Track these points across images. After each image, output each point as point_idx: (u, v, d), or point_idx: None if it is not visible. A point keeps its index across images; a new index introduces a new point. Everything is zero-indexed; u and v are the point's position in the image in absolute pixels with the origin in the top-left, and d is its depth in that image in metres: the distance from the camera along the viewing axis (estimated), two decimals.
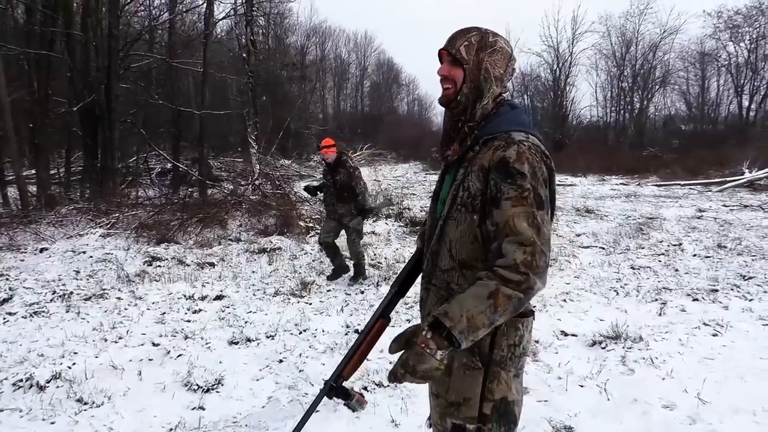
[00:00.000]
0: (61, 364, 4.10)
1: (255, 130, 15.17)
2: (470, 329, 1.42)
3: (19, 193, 11.68)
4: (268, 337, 4.71)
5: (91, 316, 5.30)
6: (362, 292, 6.13)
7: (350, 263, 6.81)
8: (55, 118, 14.21)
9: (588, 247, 8.35)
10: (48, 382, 3.77)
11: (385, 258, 7.71)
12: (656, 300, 5.57)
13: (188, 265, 7.37)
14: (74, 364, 4.12)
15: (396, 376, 1.51)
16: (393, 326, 4.87)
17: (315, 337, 4.71)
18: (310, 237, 9.31)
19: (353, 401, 1.74)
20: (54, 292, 6.06)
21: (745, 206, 12.77)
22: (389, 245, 8.61)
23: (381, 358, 4.13)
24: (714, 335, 4.55)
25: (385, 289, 6.00)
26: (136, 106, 17.63)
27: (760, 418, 3.17)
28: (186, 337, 4.70)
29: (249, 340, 4.61)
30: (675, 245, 8.20)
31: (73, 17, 13.81)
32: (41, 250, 8.18)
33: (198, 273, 6.98)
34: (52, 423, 3.26)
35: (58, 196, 12.74)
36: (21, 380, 3.78)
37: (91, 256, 7.80)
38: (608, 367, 3.93)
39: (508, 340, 1.64)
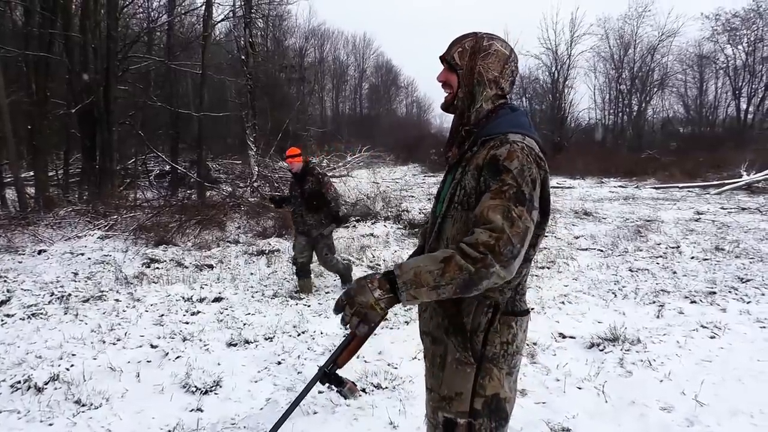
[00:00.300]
0: (59, 365, 4.10)
1: (254, 132, 15.20)
2: (413, 283, 1.48)
3: (18, 195, 11.70)
4: (266, 338, 4.71)
5: (90, 318, 5.30)
6: None
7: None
8: (54, 120, 14.24)
9: (586, 249, 8.36)
10: (46, 383, 3.76)
11: (384, 260, 7.71)
12: (654, 302, 5.58)
13: (187, 267, 7.37)
14: (72, 365, 4.12)
15: (337, 302, 1.60)
16: (389, 320, 4.88)
17: (313, 339, 4.71)
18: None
19: (345, 389, 1.76)
20: (52, 294, 6.05)
21: (743, 209, 12.79)
22: (388, 247, 8.61)
23: (380, 360, 4.14)
24: (712, 337, 4.56)
25: None
26: (134, 107, 17.67)
27: (758, 421, 3.17)
28: (184, 339, 4.70)
29: (247, 341, 4.61)
30: (673, 248, 8.22)
31: (72, 19, 13.83)
32: (39, 252, 8.17)
33: (196, 275, 6.98)
34: (50, 424, 3.26)
35: (56, 197, 12.75)
36: (19, 382, 3.78)
37: (89, 258, 7.80)
38: (606, 369, 3.93)
39: (501, 338, 1.66)
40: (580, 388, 3.64)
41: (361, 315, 1.55)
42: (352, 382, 1.75)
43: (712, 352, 4.23)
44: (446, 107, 1.77)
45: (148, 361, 4.24)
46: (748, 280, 6.28)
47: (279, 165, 16.36)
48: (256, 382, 3.87)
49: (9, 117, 11.58)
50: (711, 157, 23.23)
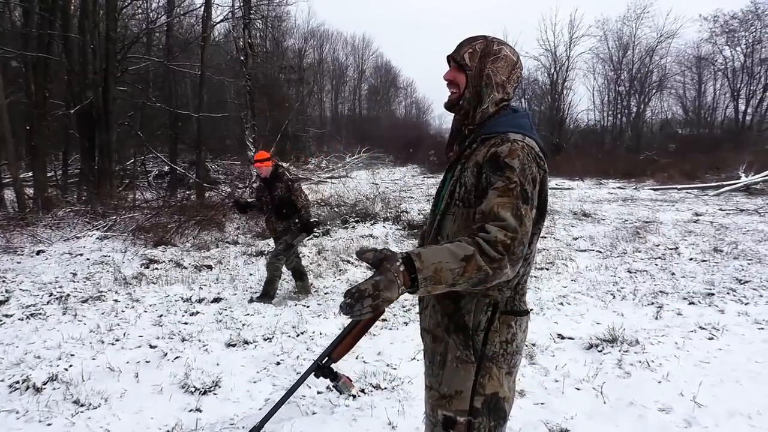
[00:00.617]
0: (57, 365, 4.10)
1: (253, 132, 15.22)
2: (432, 280, 1.39)
3: (16, 196, 11.68)
4: (265, 339, 4.71)
5: (88, 318, 5.30)
6: None
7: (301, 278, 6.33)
8: (53, 121, 14.21)
9: (585, 250, 8.37)
10: (45, 383, 3.77)
11: None
12: (652, 303, 5.59)
13: (185, 268, 7.37)
14: (71, 366, 4.11)
15: (358, 292, 1.36)
16: (384, 319, 4.88)
17: (312, 339, 4.72)
18: (308, 240, 9.31)
19: (340, 383, 1.74)
20: (51, 294, 6.05)
21: (741, 210, 12.81)
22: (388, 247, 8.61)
23: (378, 361, 4.14)
24: (710, 339, 4.57)
25: None
26: (133, 108, 17.66)
27: (756, 422, 3.18)
28: (183, 340, 4.70)
29: (246, 342, 4.61)
30: (671, 249, 8.23)
31: (71, 20, 13.82)
32: (38, 253, 8.16)
33: (195, 275, 6.99)
34: (49, 425, 3.26)
35: (55, 198, 12.73)
36: (18, 382, 3.78)
37: (88, 259, 7.79)
38: (605, 370, 3.94)
39: (501, 337, 1.67)
40: (578, 389, 3.64)
41: (378, 309, 1.40)
42: (347, 377, 1.75)
43: (711, 354, 4.24)
44: (451, 106, 1.79)
45: (146, 362, 4.24)
46: (746, 282, 6.29)
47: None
48: (255, 382, 3.87)
49: (8, 117, 11.58)
50: (709, 158, 23.27)
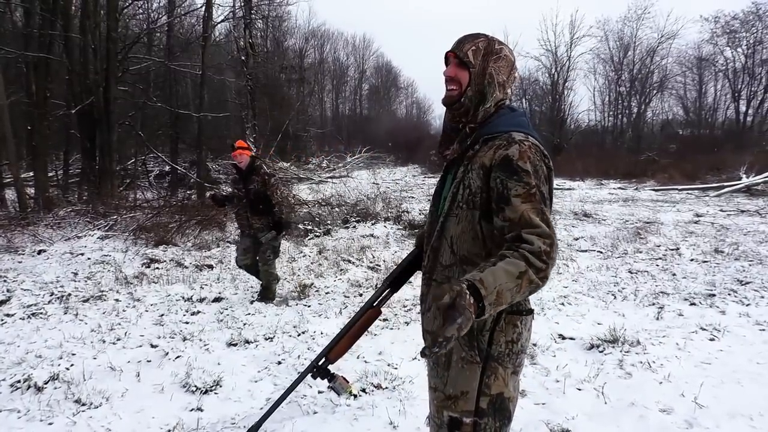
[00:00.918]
0: (59, 365, 4.10)
1: (253, 132, 15.23)
2: (496, 303, 1.40)
3: (17, 195, 11.69)
4: (266, 338, 4.71)
5: (90, 318, 5.31)
6: (360, 295, 6.14)
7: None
8: (54, 121, 14.22)
9: (586, 251, 8.37)
10: (46, 383, 3.77)
11: (384, 261, 7.71)
12: (654, 304, 5.58)
13: (186, 267, 7.37)
14: (72, 365, 4.12)
15: (446, 339, 1.30)
16: (385, 319, 4.88)
17: (314, 339, 4.72)
18: (309, 239, 9.32)
19: (336, 383, 1.76)
20: (52, 294, 6.06)
21: (742, 211, 12.80)
22: (388, 248, 8.62)
23: (380, 360, 4.14)
24: (711, 340, 4.56)
25: None
26: (134, 108, 17.67)
27: (757, 423, 3.18)
28: (184, 339, 4.70)
29: (247, 341, 4.61)
30: (672, 250, 8.23)
31: (72, 20, 13.83)
32: (39, 252, 8.17)
33: (196, 275, 6.99)
34: (50, 424, 3.26)
35: (56, 198, 12.74)
36: (19, 381, 3.78)
37: (89, 258, 7.80)
38: (606, 370, 3.94)
39: (506, 337, 1.67)
40: (579, 390, 3.64)
41: (449, 345, 1.33)
42: (344, 377, 1.77)
43: (712, 355, 4.23)
44: (451, 103, 1.75)
45: (148, 361, 4.24)
46: (747, 283, 6.29)
47: (279, 166, 16.38)
48: (256, 381, 3.87)
49: (9, 117, 11.59)
50: (710, 159, 23.28)
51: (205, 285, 6.52)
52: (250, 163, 5.73)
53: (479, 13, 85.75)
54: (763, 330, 4.78)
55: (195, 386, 3.70)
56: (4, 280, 6.56)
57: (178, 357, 4.28)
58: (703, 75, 38.11)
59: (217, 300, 5.95)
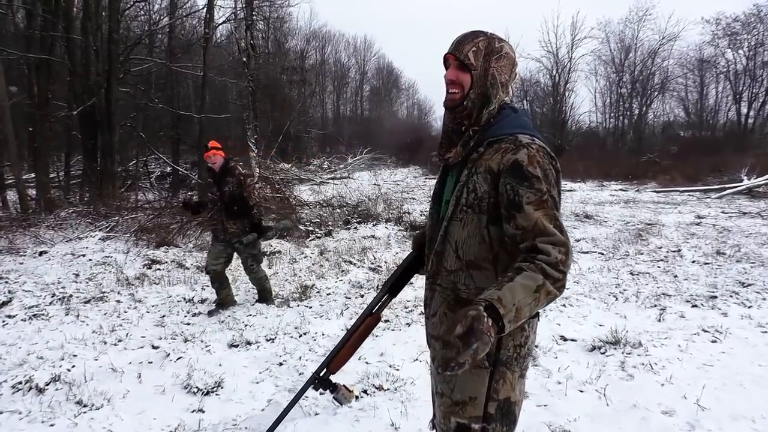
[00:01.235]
0: (60, 366, 4.10)
1: (255, 133, 15.21)
2: (516, 319, 1.41)
3: (19, 197, 11.70)
4: (267, 340, 4.71)
5: (91, 319, 5.31)
6: (362, 296, 6.14)
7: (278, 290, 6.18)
8: (55, 122, 14.23)
9: (587, 252, 8.36)
10: (47, 384, 3.77)
11: (385, 262, 7.71)
12: (655, 306, 5.58)
13: (188, 269, 7.37)
14: (74, 366, 4.12)
15: (459, 365, 1.32)
16: (387, 320, 4.88)
17: (315, 340, 4.71)
18: (310, 241, 9.32)
19: (339, 393, 1.74)
20: (53, 295, 6.06)
21: (744, 213, 12.79)
22: (389, 249, 8.62)
23: (381, 362, 4.14)
24: (713, 342, 4.56)
25: None
26: (135, 109, 17.68)
27: (760, 425, 3.17)
28: (186, 340, 4.70)
29: (249, 343, 4.61)
30: (674, 251, 8.22)
31: (74, 21, 13.84)
32: (41, 253, 8.18)
33: (197, 276, 6.99)
34: (52, 425, 3.26)
35: (57, 199, 12.75)
36: (20, 382, 3.78)
37: (90, 259, 7.80)
38: (607, 372, 3.93)
39: (515, 341, 1.66)
40: (581, 391, 3.63)
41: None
42: (346, 387, 1.74)
43: (714, 357, 4.23)
44: (454, 106, 1.70)
45: (149, 362, 4.24)
46: (749, 285, 6.28)
47: (280, 167, 16.36)
48: (257, 383, 3.87)
49: (10, 119, 11.61)
50: (712, 161, 23.24)
51: (207, 286, 6.50)
52: (224, 164, 5.51)
53: (480, 14, 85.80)
54: (765, 332, 4.77)
55: (196, 387, 3.70)
56: (6, 282, 6.56)
57: (179, 358, 4.29)
58: (705, 77, 38.12)
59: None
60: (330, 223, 10.62)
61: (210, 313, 5.49)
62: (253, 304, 5.80)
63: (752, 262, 7.38)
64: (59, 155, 16.62)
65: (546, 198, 1.52)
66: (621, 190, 20.02)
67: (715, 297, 5.82)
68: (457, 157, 1.71)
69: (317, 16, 57.91)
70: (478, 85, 1.66)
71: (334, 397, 1.78)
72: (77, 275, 6.98)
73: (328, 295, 6.23)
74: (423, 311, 1.93)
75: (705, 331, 4.79)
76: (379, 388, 3.70)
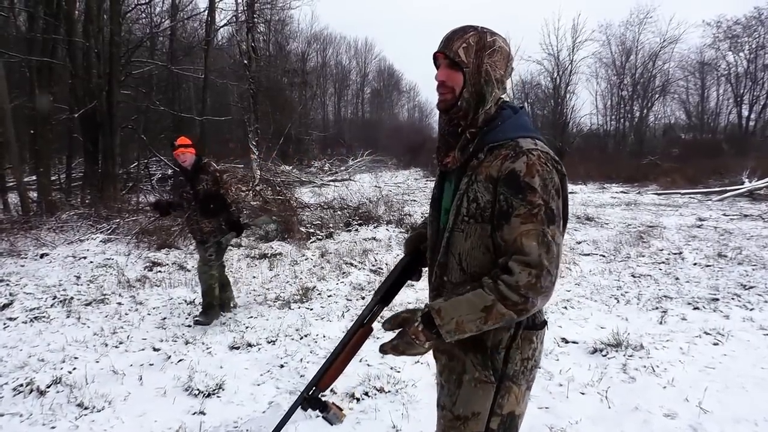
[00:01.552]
0: (61, 368, 4.10)
1: (256, 136, 15.22)
2: (457, 331, 1.45)
3: (20, 199, 11.72)
4: (269, 342, 4.71)
5: (92, 321, 5.31)
6: (363, 298, 6.13)
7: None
8: (57, 125, 14.26)
9: (588, 254, 8.35)
10: (48, 386, 3.77)
11: (386, 264, 7.70)
12: (657, 308, 5.57)
13: (189, 271, 7.37)
14: (75, 368, 4.12)
15: (386, 351, 1.56)
16: (379, 338, 4.87)
17: (316, 342, 4.71)
18: (311, 243, 9.32)
19: (330, 413, 1.65)
20: (54, 298, 6.06)
21: (745, 216, 12.78)
22: (390, 251, 8.61)
23: (382, 364, 4.13)
24: (715, 344, 4.55)
25: None
26: (137, 112, 17.72)
27: (762, 428, 3.16)
28: (187, 342, 4.70)
29: (250, 345, 4.61)
30: (675, 254, 8.20)
31: (75, 24, 13.87)
32: (42, 256, 8.18)
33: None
34: (53, 428, 3.26)
35: (58, 201, 12.76)
36: (21, 385, 3.78)
37: (91, 262, 7.80)
38: (609, 374, 3.93)
39: (522, 354, 1.59)
40: (583, 394, 3.63)
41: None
42: (338, 407, 1.66)
43: (716, 359, 4.22)
44: (447, 108, 1.60)
45: (150, 365, 4.24)
46: (751, 287, 6.27)
47: (281, 169, 16.38)
48: (258, 385, 3.87)
49: (12, 121, 11.63)
50: (713, 163, 23.24)
51: None
52: (196, 162, 5.21)
53: (480, 15, 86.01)
54: (767, 335, 4.76)
55: (197, 390, 3.70)
56: (7, 284, 6.56)
57: (180, 360, 4.28)
58: (706, 79, 38.15)
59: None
60: (331, 225, 10.61)
61: (197, 322, 5.20)
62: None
63: (754, 265, 7.37)
64: (60, 158, 16.65)
65: (536, 212, 1.43)
66: (622, 192, 20.01)
67: (717, 299, 5.81)
68: (455, 163, 1.61)
69: (318, 19, 58.12)
70: (471, 83, 1.56)
71: (324, 417, 1.68)
72: (78, 277, 6.98)
73: (329, 297, 6.23)
74: None
75: (707, 333, 4.78)
76: (381, 390, 3.69)
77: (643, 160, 28.79)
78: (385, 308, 1.83)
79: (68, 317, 5.42)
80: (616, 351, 4.32)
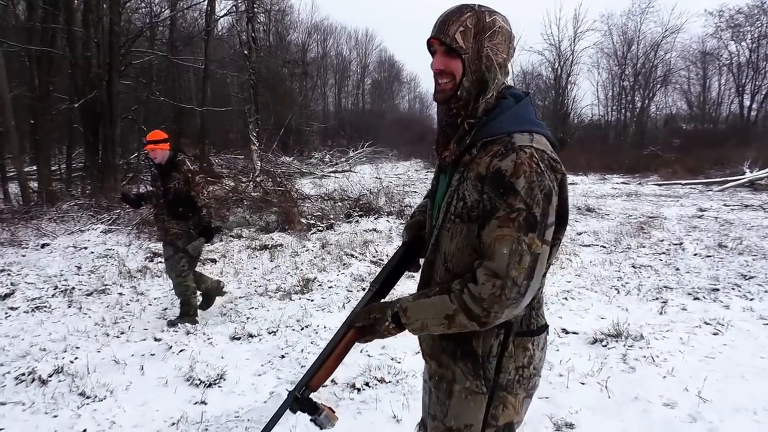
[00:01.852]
0: (63, 358, 4.12)
1: (256, 127, 15.20)
2: (423, 330, 1.45)
3: (21, 189, 11.72)
4: (269, 332, 4.72)
5: (93, 311, 5.32)
6: (363, 289, 6.14)
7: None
8: (57, 115, 14.23)
9: (589, 245, 8.36)
10: (50, 376, 3.79)
11: (387, 255, 7.70)
12: (657, 299, 5.58)
13: None
14: (76, 358, 4.13)
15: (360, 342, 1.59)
16: None
17: (317, 333, 4.72)
18: (312, 234, 9.32)
19: (321, 416, 1.52)
20: (56, 288, 6.07)
21: (746, 206, 12.76)
22: (391, 242, 8.62)
23: (382, 354, 4.14)
24: (715, 334, 4.56)
25: None
26: (137, 102, 17.68)
27: (761, 417, 3.18)
28: (188, 333, 4.71)
29: (251, 335, 4.62)
30: (676, 244, 8.21)
31: (75, 14, 13.81)
32: (43, 246, 8.19)
33: (199, 269, 6.97)
34: (55, 416, 3.27)
35: (59, 192, 12.76)
36: (23, 374, 3.79)
37: (92, 252, 7.81)
38: (609, 364, 3.94)
39: (516, 362, 1.48)
40: (583, 384, 3.64)
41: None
42: (330, 408, 1.54)
43: (715, 349, 4.23)
44: (446, 99, 1.47)
45: (151, 354, 4.26)
46: (751, 277, 6.27)
47: (281, 160, 16.37)
48: (259, 375, 3.89)
49: (12, 111, 11.61)
50: (714, 154, 23.19)
51: None
52: (170, 157, 4.86)
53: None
54: (767, 324, 4.77)
55: (199, 380, 3.72)
56: (8, 274, 6.58)
57: (181, 350, 4.30)
58: (707, 69, 37.95)
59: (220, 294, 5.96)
60: (331, 216, 10.61)
61: (170, 323, 4.95)
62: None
63: (754, 255, 7.38)
64: (61, 148, 16.63)
65: (515, 216, 1.31)
66: (623, 183, 19.99)
67: (717, 290, 5.81)
68: (451, 157, 1.49)
69: (318, 9, 57.98)
70: (471, 70, 1.42)
71: (314, 420, 1.53)
72: (79, 268, 6.99)
73: (329, 288, 6.23)
74: None
75: (707, 323, 4.79)
76: (381, 380, 3.71)
77: (644, 151, 28.75)
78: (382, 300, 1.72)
79: (69, 307, 5.43)
80: (617, 341, 4.33)
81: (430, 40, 1.47)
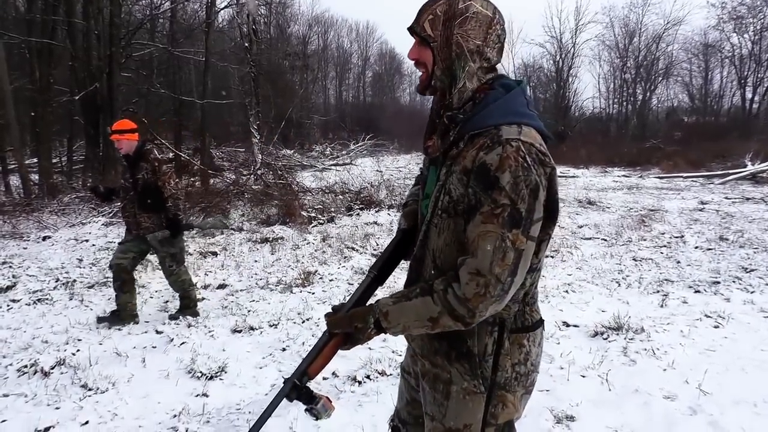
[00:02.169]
0: (65, 350, 4.13)
1: (257, 119, 15.15)
2: (404, 332, 1.44)
3: (22, 182, 11.74)
4: (271, 325, 4.73)
5: (95, 304, 5.34)
6: None
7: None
8: (57, 107, 14.22)
9: (590, 238, 8.35)
10: (52, 368, 3.80)
11: None
12: (658, 291, 5.58)
13: (191, 254, 7.37)
14: (78, 350, 4.15)
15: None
16: None
17: (318, 326, 4.73)
18: (313, 227, 9.33)
19: (318, 405, 1.48)
20: (57, 280, 6.08)
21: (748, 199, 12.75)
22: (391, 235, 8.62)
23: (383, 347, 4.15)
24: (715, 327, 4.56)
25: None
26: (137, 95, 17.64)
27: (761, 410, 3.18)
28: (189, 326, 4.72)
29: (252, 328, 4.63)
30: (677, 237, 8.21)
31: (75, 5, 13.77)
32: (44, 238, 8.20)
33: (200, 262, 7.00)
34: (57, 408, 3.29)
35: (60, 184, 12.77)
36: (26, 366, 3.81)
37: (93, 245, 7.82)
38: (610, 357, 3.94)
39: (512, 359, 1.47)
40: (583, 376, 3.65)
41: None
42: (327, 397, 1.51)
43: (716, 342, 4.23)
44: (423, 90, 1.47)
45: (153, 347, 4.27)
46: (752, 270, 6.27)
47: (282, 153, 16.34)
48: (260, 368, 3.90)
49: (12, 104, 11.60)
50: (715, 146, 23.13)
51: (210, 272, 6.54)
52: (138, 147, 4.70)
53: None
54: None
55: (200, 372, 3.73)
56: (10, 266, 6.59)
57: (183, 343, 4.31)
58: (709, 61, 37.77)
59: (221, 287, 5.97)
60: (332, 209, 10.62)
61: (99, 319, 4.79)
62: (254, 289, 5.81)
63: (755, 248, 7.37)
64: (61, 140, 16.65)
65: (499, 212, 1.27)
66: (624, 176, 19.97)
67: (718, 282, 5.82)
68: (435, 150, 1.47)
69: (319, 2, 57.67)
70: (441, 59, 1.40)
71: (310, 409, 1.49)
72: (81, 260, 7.00)
73: (330, 281, 6.24)
74: None
75: (707, 316, 4.79)
76: (382, 373, 3.71)
77: (645, 144, 28.64)
78: (380, 287, 1.72)
79: (71, 300, 5.45)
80: (617, 334, 4.34)
81: (408, 29, 1.45)
